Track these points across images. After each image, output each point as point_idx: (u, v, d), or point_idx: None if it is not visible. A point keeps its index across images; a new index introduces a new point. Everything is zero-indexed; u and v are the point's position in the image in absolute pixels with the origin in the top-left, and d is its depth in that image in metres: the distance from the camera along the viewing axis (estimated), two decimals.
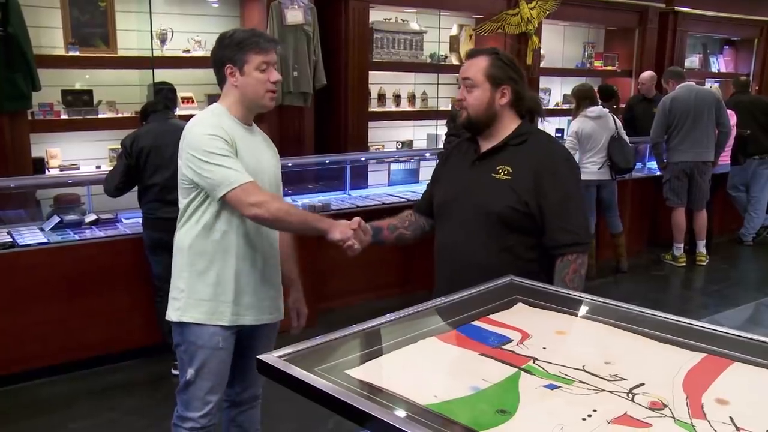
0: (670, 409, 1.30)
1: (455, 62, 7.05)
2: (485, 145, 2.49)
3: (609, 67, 8.34)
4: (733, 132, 6.98)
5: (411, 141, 6.94)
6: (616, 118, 6.20)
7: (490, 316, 1.75)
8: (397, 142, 6.83)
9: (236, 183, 2.40)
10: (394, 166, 6.42)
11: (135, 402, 4.07)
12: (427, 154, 6.38)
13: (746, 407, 1.33)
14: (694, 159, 6.57)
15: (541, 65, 7.45)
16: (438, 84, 6.98)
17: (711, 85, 7.80)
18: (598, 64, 8.33)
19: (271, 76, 2.54)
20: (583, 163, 6.02)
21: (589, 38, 8.50)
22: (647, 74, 7.69)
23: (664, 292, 6.41)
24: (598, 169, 6.05)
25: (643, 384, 1.40)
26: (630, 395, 1.36)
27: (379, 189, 6.16)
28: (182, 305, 2.61)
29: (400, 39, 6.54)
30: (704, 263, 6.90)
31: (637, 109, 7.59)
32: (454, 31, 7.12)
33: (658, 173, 7.32)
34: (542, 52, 7.43)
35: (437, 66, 6.86)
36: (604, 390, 1.37)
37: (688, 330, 1.70)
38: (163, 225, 4.17)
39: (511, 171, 2.39)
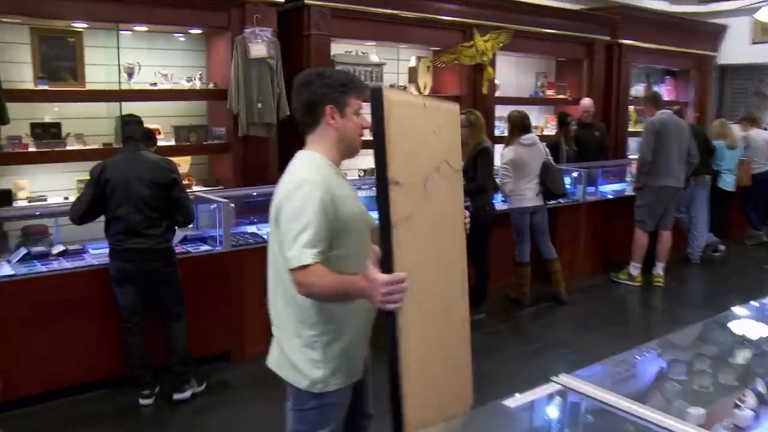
0: None
1: (414, 92, 7.07)
2: None
3: (561, 96, 8.47)
4: None
5: (373, 169, 6.89)
6: (543, 144, 6.19)
7: None
8: (359, 170, 6.81)
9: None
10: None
11: None
12: None
13: None
14: (674, 184, 6.61)
15: (496, 94, 7.53)
16: None
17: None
18: (550, 92, 8.45)
19: (364, 122, 2.45)
20: (521, 190, 5.97)
21: (541, 68, 8.63)
22: (588, 102, 7.82)
23: (619, 311, 6.44)
24: (535, 195, 6.03)
25: None
26: None
27: None
28: (321, 375, 2.39)
29: (361, 71, 6.55)
30: (662, 284, 6.87)
31: (580, 135, 7.69)
32: (412, 63, 7.16)
33: (610, 196, 7.42)
34: (497, 81, 7.50)
35: None
36: None
37: None
38: (129, 256, 4.09)
39: None
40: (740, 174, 8.14)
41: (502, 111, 7.31)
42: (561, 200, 6.68)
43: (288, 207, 2.27)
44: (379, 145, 2.04)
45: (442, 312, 2.35)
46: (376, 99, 2.04)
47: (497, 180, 5.97)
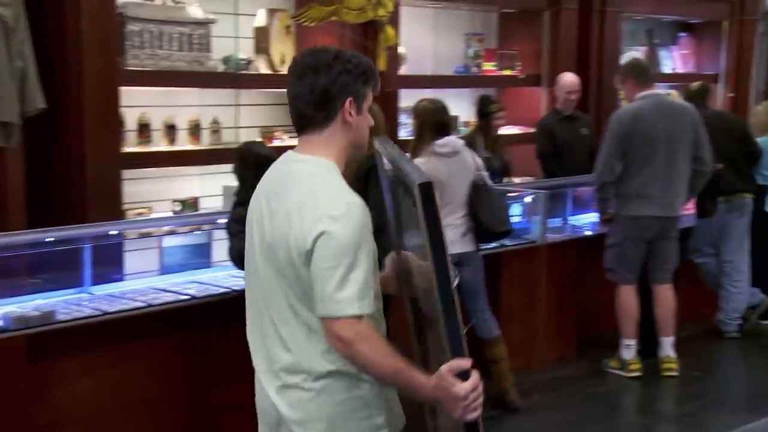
0: None
1: (264, 70, 7.07)
2: None
3: (506, 71, 8.61)
4: None
5: (196, 199, 6.84)
6: (473, 153, 6.26)
7: None
8: (174, 201, 6.68)
9: None
10: (168, 242, 6.28)
11: None
12: (222, 220, 6.20)
13: None
14: (659, 213, 6.66)
15: (401, 72, 7.59)
16: (238, 105, 7.00)
17: (669, 93, 8.09)
18: (489, 66, 8.57)
19: (371, 120, 3.06)
20: None
21: (475, 27, 8.76)
22: (572, 79, 7.94)
23: (606, 419, 6.44)
24: (461, 235, 6.05)
25: None
26: None
27: (143, 281, 5.96)
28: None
29: (173, 33, 6.48)
30: (675, 372, 6.91)
31: (562, 134, 7.82)
32: (260, 21, 7.12)
33: (588, 233, 7.49)
34: (402, 50, 7.52)
35: (235, 76, 6.81)
36: None
37: None
38: None
39: None
40: None
41: (409, 99, 7.34)
42: (505, 242, 6.72)
43: (338, 235, 2.73)
44: (441, 263, 2.55)
45: None
46: (428, 200, 2.54)
47: None
